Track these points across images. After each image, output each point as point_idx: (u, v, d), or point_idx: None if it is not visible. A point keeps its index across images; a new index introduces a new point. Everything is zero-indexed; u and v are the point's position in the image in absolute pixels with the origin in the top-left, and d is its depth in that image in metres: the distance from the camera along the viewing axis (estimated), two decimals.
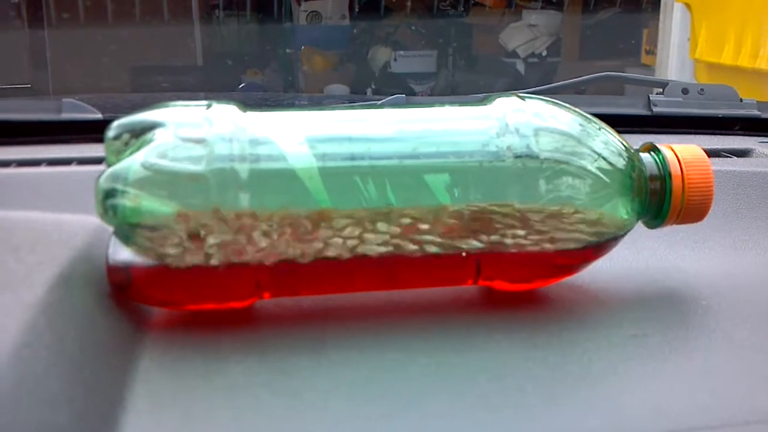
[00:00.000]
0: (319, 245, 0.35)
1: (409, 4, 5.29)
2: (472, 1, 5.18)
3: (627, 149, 0.38)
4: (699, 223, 0.40)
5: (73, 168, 0.53)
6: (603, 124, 0.38)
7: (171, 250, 0.33)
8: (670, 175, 0.38)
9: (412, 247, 0.36)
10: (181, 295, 0.35)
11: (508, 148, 0.35)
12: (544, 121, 0.36)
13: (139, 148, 0.34)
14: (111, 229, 0.35)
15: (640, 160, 0.39)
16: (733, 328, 0.36)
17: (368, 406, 0.30)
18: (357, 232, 0.35)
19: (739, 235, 0.46)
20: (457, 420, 0.29)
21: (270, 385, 0.31)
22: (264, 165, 0.34)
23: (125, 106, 0.66)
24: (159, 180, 0.33)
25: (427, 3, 5.24)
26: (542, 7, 4.89)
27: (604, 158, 0.37)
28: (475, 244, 0.36)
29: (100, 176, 0.34)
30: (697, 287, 0.40)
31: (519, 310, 0.38)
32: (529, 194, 0.36)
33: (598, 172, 0.36)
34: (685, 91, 0.65)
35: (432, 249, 0.36)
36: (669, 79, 0.80)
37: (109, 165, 0.35)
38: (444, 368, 0.32)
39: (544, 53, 4.80)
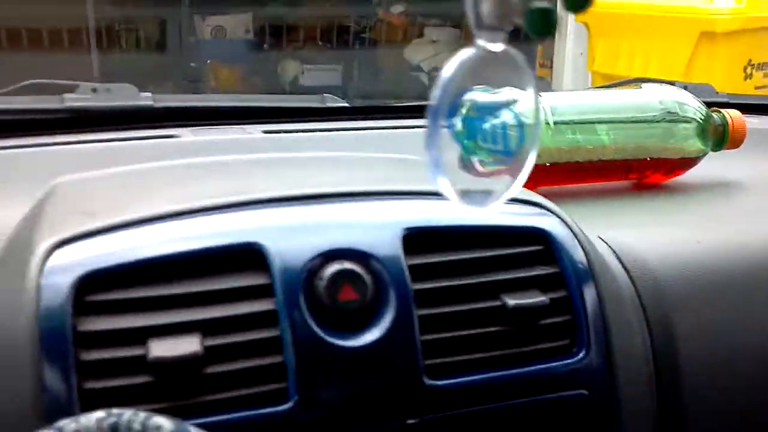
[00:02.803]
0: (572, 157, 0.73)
1: (315, 21, 5.54)
2: (375, 19, 5.52)
3: (707, 112, 0.79)
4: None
5: None
6: (698, 101, 0.79)
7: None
8: (727, 123, 0.79)
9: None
10: None
11: (668, 111, 0.75)
12: (680, 97, 0.76)
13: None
14: None
15: (712, 116, 0.79)
16: None
17: None
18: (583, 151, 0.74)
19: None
20: None
21: None
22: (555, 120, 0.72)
23: None
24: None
25: (332, 20, 5.52)
26: (442, 25, 5.31)
27: (701, 114, 0.77)
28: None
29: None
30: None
31: None
32: (670, 134, 0.76)
33: (700, 121, 0.77)
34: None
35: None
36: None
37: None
38: None
39: None
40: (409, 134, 0.86)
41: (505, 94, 0.71)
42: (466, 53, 0.31)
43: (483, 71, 0.30)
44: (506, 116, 0.59)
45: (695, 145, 0.78)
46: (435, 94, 0.29)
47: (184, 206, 0.50)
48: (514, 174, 0.33)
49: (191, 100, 0.88)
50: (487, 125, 0.60)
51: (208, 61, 5.54)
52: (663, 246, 0.60)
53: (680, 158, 0.77)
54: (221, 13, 5.57)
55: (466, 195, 0.32)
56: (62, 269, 0.46)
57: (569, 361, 0.53)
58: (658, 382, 0.57)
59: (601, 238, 0.61)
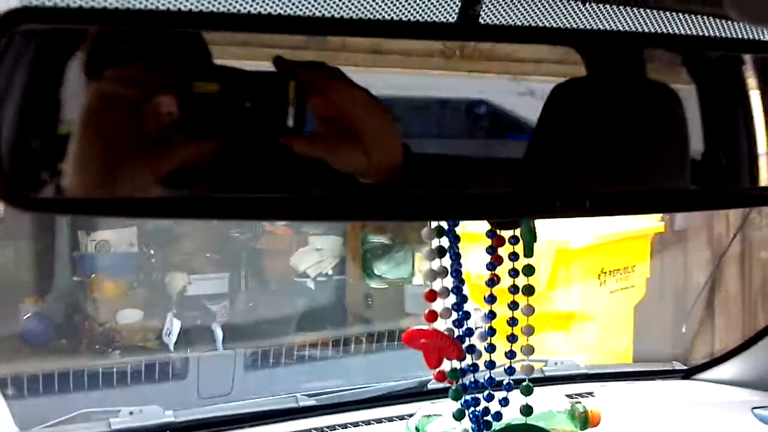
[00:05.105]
0: None
1: (201, 232, 5.77)
2: (261, 229, 5.84)
3: (572, 404, 1.18)
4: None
5: None
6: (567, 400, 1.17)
7: None
8: (587, 411, 1.18)
9: None
10: None
11: (550, 410, 1.13)
12: (556, 403, 1.15)
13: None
14: None
15: (577, 407, 1.18)
16: None
17: None
18: None
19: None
20: None
21: None
22: None
23: None
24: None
25: (218, 230, 5.78)
26: (326, 233, 5.70)
27: (569, 408, 1.16)
28: None
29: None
30: None
31: None
32: (554, 422, 1.13)
33: (569, 412, 1.15)
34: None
35: None
36: None
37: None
38: None
39: (331, 272, 5.58)
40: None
41: None
42: None
43: None
44: None
45: (570, 427, 1.16)
46: None
47: None
48: None
49: (202, 413, 1.20)
50: None
51: (93, 275, 5.63)
52: None
53: None
54: (105, 228, 5.70)
55: None
56: None
57: None
58: None
59: None
